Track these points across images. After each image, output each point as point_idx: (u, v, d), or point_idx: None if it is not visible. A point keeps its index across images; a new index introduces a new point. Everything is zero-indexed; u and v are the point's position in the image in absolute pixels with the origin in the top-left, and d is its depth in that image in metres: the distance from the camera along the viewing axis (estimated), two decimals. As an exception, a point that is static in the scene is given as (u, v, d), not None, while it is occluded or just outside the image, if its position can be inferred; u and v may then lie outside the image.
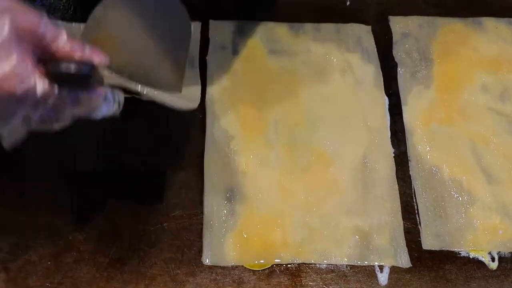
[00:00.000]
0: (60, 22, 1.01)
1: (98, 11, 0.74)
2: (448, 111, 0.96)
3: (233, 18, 1.04)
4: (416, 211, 0.87)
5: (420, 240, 0.85)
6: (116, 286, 0.79)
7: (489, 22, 1.08)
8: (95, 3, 0.74)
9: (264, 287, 0.80)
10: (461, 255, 0.84)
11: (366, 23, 1.06)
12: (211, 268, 0.81)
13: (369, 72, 1.00)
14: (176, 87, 0.79)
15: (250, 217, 0.85)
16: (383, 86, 0.99)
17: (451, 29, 1.07)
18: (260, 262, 0.82)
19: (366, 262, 0.83)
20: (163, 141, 0.91)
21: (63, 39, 0.59)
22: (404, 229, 0.86)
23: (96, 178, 0.87)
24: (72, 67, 0.58)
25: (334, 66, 1.00)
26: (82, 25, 0.88)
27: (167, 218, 0.85)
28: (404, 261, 0.83)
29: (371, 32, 1.05)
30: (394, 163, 0.91)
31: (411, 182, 0.90)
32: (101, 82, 0.64)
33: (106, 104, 0.64)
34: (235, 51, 1.01)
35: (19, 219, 0.83)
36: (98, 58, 0.61)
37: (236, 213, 0.85)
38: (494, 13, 1.09)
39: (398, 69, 1.01)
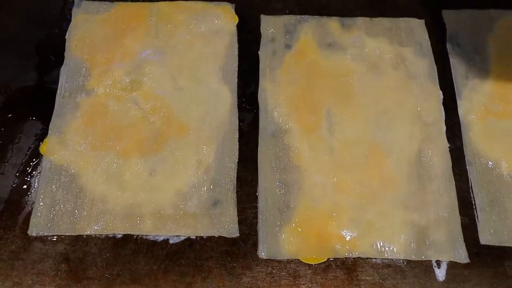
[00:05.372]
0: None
1: None
2: (505, 105, 0.94)
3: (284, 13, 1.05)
4: (474, 207, 0.86)
5: (478, 236, 0.84)
6: (173, 279, 0.80)
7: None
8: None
9: (320, 281, 0.80)
10: (522, 251, 0.83)
11: (419, 17, 1.05)
12: (267, 261, 0.81)
13: (423, 66, 0.99)
14: None
15: (305, 211, 0.85)
16: (437, 80, 0.97)
17: (508, 21, 1.04)
18: (316, 255, 0.82)
19: (423, 257, 0.82)
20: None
21: None
22: (462, 225, 0.84)
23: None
24: None
25: (387, 61, 0.99)
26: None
27: (222, 212, 0.85)
28: (462, 256, 0.82)
29: (424, 26, 1.04)
30: (450, 158, 0.90)
31: (467, 177, 0.89)
32: None
33: None
34: (287, 46, 1.01)
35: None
36: None
37: (291, 207, 0.85)
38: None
39: (452, 63, 1.00)
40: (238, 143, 0.91)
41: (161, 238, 0.83)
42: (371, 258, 0.82)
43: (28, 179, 0.87)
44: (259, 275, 0.80)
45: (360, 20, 1.04)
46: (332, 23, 1.04)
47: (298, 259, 0.82)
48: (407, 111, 0.94)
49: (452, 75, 0.99)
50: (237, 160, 0.89)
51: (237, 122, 0.93)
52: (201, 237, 0.83)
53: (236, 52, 1.00)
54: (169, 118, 0.92)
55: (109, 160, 0.88)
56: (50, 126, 0.91)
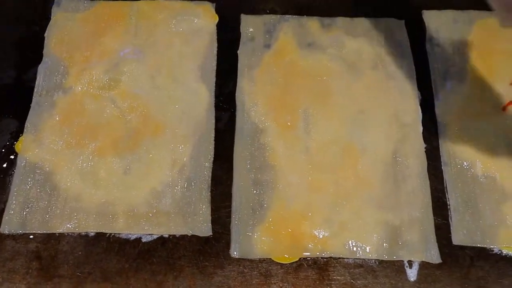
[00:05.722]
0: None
1: None
2: (482, 106, 0.94)
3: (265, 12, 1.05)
4: (448, 207, 0.86)
5: (451, 236, 0.84)
6: (144, 277, 0.80)
7: (526, 16, 1.05)
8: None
9: (291, 280, 0.80)
10: (494, 252, 0.83)
11: (399, 17, 1.05)
12: (239, 260, 0.81)
13: (402, 66, 0.99)
14: None
15: (278, 210, 0.85)
16: (415, 81, 0.97)
17: (487, 23, 1.04)
18: (289, 255, 0.82)
19: (395, 257, 0.82)
20: (193, 134, 0.92)
21: None
22: (435, 225, 0.84)
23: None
24: None
25: (366, 61, 0.99)
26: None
27: (196, 211, 0.85)
28: (434, 256, 0.82)
29: (404, 27, 1.03)
30: (425, 158, 0.90)
31: (443, 177, 0.89)
32: None
33: None
34: (267, 45, 1.01)
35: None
36: None
37: (264, 206, 0.85)
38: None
39: (431, 63, 1.00)
40: (214, 142, 0.91)
41: (134, 237, 0.83)
42: (343, 258, 0.82)
43: (2, 176, 0.87)
44: (230, 274, 0.80)
45: (340, 20, 1.04)
46: (312, 23, 1.04)
47: (270, 259, 0.82)
48: (384, 111, 0.94)
49: (431, 76, 0.98)
50: (213, 159, 0.89)
51: (214, 121, 0.92)
52: (174, 236, 0.83)
53: (215, 52, 1.00)
54: (146, 116, 0.92)
55: (84, 158, 0.88)
56: (26, 124, 0.91)
